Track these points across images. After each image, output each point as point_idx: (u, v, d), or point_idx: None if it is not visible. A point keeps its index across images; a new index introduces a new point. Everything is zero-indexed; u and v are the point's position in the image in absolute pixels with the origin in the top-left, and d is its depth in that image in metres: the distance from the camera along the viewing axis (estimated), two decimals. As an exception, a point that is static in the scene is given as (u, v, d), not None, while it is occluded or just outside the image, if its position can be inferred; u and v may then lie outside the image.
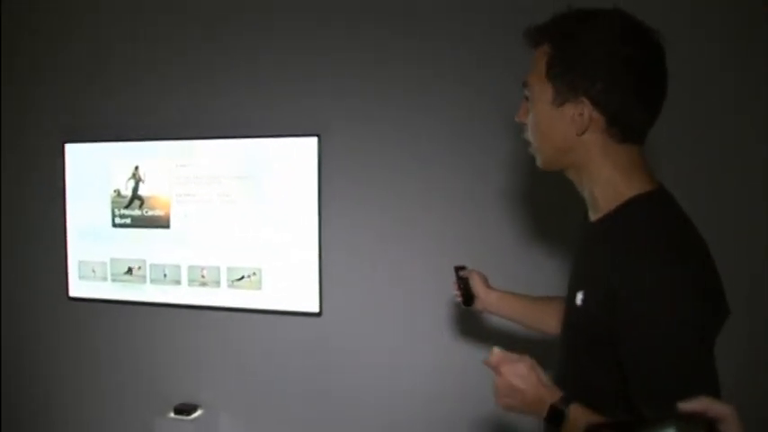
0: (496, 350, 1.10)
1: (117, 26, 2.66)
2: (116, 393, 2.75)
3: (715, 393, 0.89)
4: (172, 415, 2.53)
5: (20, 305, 2.88)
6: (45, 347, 2.85)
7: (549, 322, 1.43)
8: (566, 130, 1.02)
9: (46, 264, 2.80)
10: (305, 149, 2.38)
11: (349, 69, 2.37)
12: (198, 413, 2.55)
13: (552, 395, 1.02)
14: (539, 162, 1.12)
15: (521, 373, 1.05)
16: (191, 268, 2.56)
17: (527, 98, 1.09)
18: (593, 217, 1.09)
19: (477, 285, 1.50)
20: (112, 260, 2.66)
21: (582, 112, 0.99)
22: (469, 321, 2.28)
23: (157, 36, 2.61)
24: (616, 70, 0.97)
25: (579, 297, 1.04)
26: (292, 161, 2.40)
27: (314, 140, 2.37)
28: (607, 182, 1.03)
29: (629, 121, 1.00)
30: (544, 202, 2.18)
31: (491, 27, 2.20)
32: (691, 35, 1.93)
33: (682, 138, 1.98)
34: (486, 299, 1.49)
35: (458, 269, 1.54)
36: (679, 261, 0.91)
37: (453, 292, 1.56)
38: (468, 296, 1.51)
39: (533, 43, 1.06)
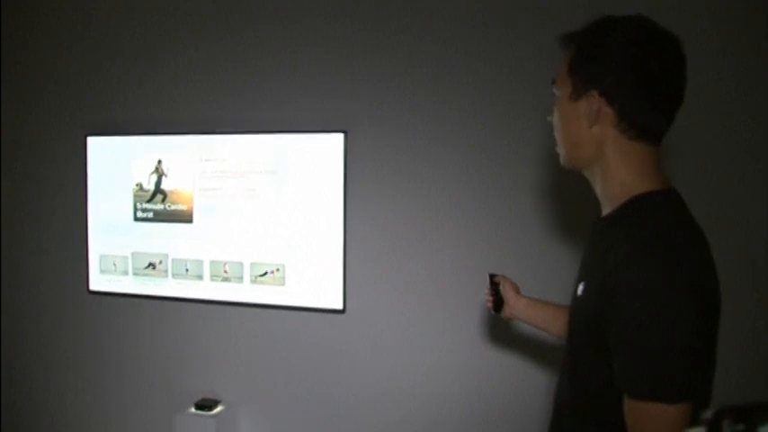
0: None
1: (142, 18, 2.65)
2: (136, 388, 2.74)
3: (697, 386, 0.91)
4: (193, 410, 2.52)
5: (40, 298, 2.87)
6: (65, 341, 2.85)
7: None
8: (580, 124, 1.06)
9: (66, 257, 2.79)
10: (331, 146, 2.37)
11: (378, 66, 2.36)
12: (219, 409, 2.54)
13: None
14: (561, 160, 1.16)
15: None
16: (213, 263, 2.55)
17: (555, 98, 1.13)
18: (603, 213, 1.11)
19: (507, 292, 1.56)
20: (134, 254, 2.65)
21: (592, 104, 1.03)
22: (495, 322, 2.27)
23: (184, 29, 2.60)
24: (626, 66, 1.00)
25: (580, 288, 1.07)
26: (318, 157, 2.39)
27: (340, 137, 2.36)
28: (617, 179, 1.05)
29: (639, 118, 1.02)
30: (574, 200, 2.17)
31: (524, 25, 2.19)
32: (692, 33, 1.93)
33: (688, 138, 1.98)
34: (514, 305, 1.54)
35: (492, 276, 1.60)
36: (671, 255, 0.92)
37: (486, 297, 1.60)
38: (498, 302, 1.57)
39: (564, 46, 1.11)
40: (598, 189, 1.10)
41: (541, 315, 1.53)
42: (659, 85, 1.01)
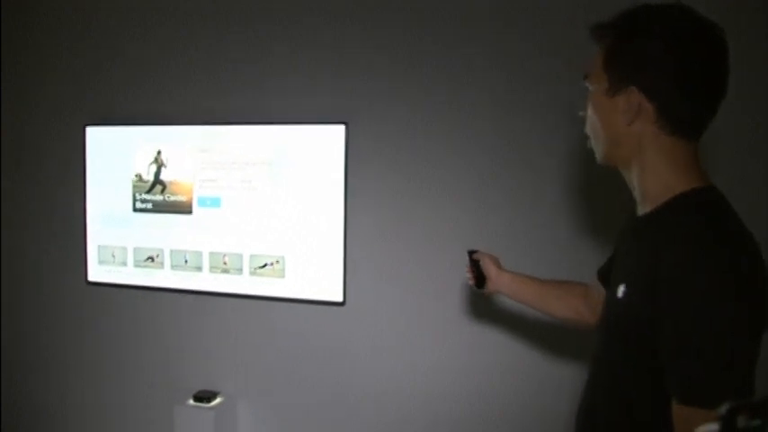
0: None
1: (142, 10, 2.63)
2: (135, 380, 2.73)
3: (748, 389, 0.88)
4: (191, 402, 2.52)
5: (38, 289, 2.86)
6: (63, 332, 2.83)
7: (557, 305, 1.48)
8: (618, 120, 1.02)
9: (65, 248, 2.78)
10: (332, 137, 2.36)
11: (379, 57, 2.34)
12: (217, 401, 2.53)
13: None
14: (597, 157, 1.12)
15: None
16: (212, 255, 2.53)
17: (588, 91, 1.10)
18: (640, 212, 1.07)
19: (488, 267, 1.54)
20: (132, 245, 2.64)
21: (632, 100, 0.99)
22: (496, 316, 2.26)
23: (185, 21, 2.58)
24: (667, 60, 0.96)
25: (621, 290, 1.03)
26: (319, 149, 2.38)
27: (341, 128, 2.34)
28: (657, 176, 1.01)
29: (679, 112, 0.99)
30: (583, 196, 2.17)
31: (525, 23, 2.17)
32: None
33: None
34: (497, 280, 1.52)
35: (471, 252, 1.58)
36: (727, 257, 0.89)
37: (466, 275, 1.59)
38: (480, 278, 1.55)
39: (597, 38, 1.07)
40: (636, 187, 1.07)
41: (527, 290, 1.51)
42: (701, 79, 0.97)
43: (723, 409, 0.57)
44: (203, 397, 2.51)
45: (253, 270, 2.49)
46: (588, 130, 1.11)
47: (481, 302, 2.27)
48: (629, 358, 1.00)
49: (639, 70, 0.98)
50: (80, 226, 2.69)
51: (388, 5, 2.32)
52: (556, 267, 2.16)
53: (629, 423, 1.02)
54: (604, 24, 1.05)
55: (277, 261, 2.46)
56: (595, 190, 2.13)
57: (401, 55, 2.32)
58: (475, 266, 1.56)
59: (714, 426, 0.58)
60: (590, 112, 1.09)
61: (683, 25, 0.97)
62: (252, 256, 2.48)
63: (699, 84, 0.97)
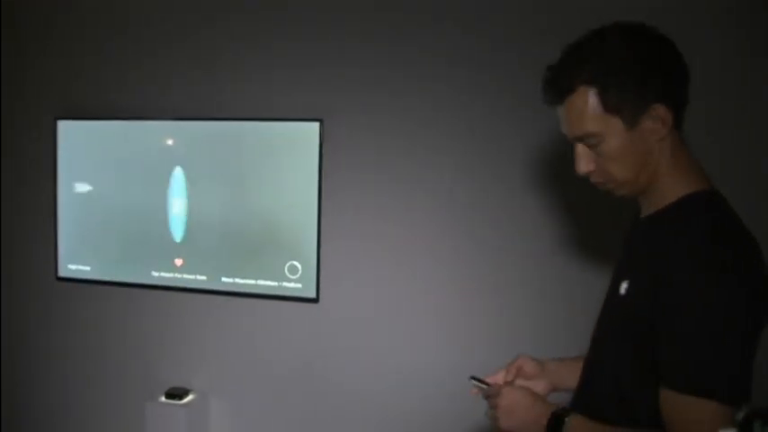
0: (491, 385, 1.18)
1: (114, 3, 2.60)
2: (107, 377, 2.70)
3: (743, 381, 0.90)
4: (163, 399, 2.50)
5: (7, 285, 2.81)
6: (32, 329, 2.79)
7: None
8: (647, 142, 1.00)
9: (35, 243, 2.74)
10: (307, 134, 2.35)
11: (355, 53, 2.35)
12: (189, 398, 2.52)
13: (552, 406, 1.08)
14: (623, 192, 1.06)
15: (516, 399, 1.12)
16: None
17: (590, 146, 1.03)
18: (644, 213, 1.08)
19: (529, 368, 1.30)
20: (103, 240, 2.61)
21: (657, 115, 0.97)
22: (470, 313, 2.28)
23: (159, 15, 2.55)
24: (661, 63, 0.98)
25: (623, 286, 1.04)
26: (294, 146, 2.37)
27: (316, 125, 2.34)
28: (669, 182, 1.02)
29: (681, 102, 1.01)
30: (565, 190, 2.20)
31: (505, 13, 2.19)
32: (691, 34, 1.95)
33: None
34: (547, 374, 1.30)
35: (477, 379, 1.25)
36: (729, 254, 0.92)
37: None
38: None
39: (561, 95, 1.02)
40: (644, 195, 1.06)
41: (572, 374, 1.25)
42: (681, 65, 1.01)
43: (740, 414, 0.60)
44: (175, 394, 2.50)
45: (226, 266, 2.48)
46: (611, 176, 1.04)
47: (455, 301, 2.29)
48: (626, 351, 1.02)
49: (649, 85, 0.97)
50: (51, 221, 2.66)
51: (365, 3, 2.32)
52: (531, 263, 2.19)
53: (626, 415, 1.03)
54: (564, 79, 1.00)
55: (250, 258, 2.45)
56: (570, 182, 2.16)
57: (376, 53, 2.33)
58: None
59: (731, 431, 0.60)
60: (609, 159, 1.02)
61: (634, 31, 1.00)
62: (224, 253, 2.47)
63: (682, 70, 1.01)
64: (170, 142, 2.50)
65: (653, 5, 1.85)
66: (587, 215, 2.13)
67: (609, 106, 0.98)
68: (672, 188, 1.02)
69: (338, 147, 2.37)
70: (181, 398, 2.49)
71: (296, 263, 2.40)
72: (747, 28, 1.99)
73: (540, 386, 1.26)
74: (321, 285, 2.39)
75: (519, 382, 1.25)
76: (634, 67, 0.97)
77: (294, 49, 2.40)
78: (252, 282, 2.45)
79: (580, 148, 1.04)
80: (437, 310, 2.33)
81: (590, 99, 0.98)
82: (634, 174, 1.02)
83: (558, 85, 1.01)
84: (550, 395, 1.25)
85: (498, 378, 1.27)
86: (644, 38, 1.00)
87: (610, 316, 1.11)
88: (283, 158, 2.38)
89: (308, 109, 2.38)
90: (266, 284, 2.43)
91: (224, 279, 2.48)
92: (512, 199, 2.23)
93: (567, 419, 1.04)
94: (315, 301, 2.40)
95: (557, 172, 2.16)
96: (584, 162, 1.04)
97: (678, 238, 0.95)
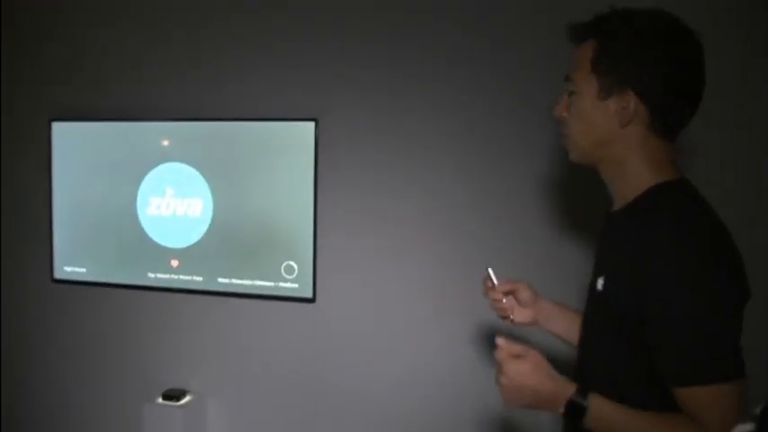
0: (501, 342, 1.05)
1: (109, 5, 2.59)
2: (104, 378, 2.69)
3: (742, 359, 0.92)
4: (160, 401, 2.49)
5: (2, 287, 2.80)
6: (28, 331, 2.78)
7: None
8: (609, 122, 1.03)
9: (30, 245, 2.73)
10: (302, 134, 2.35)
11: (350, 53, 2.34)
12: (186, 399, 2.51)
13: (566, 388, 0.99)
14: (573, 155, 1.12)
15: (526, 370, 1.01)
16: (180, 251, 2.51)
17: (570, 93, 1.08)
18: (616, 207, 1.10)
19: (526, 295, 1.36)
20: (99, 242, 2.60)
21: (627, 104, 1.00)
22: (469, 310, 2.28)
23: (152, 15, 2.54)
24: (661, 63, 0.99)
25: (600, 282, 1.06)
26: (289, 146, 2.37)
27: (311, 125, 2.33)
28: (637, 174, 1.04)
29: (671, 115, 1.02)
30: (560, 190, 2.19)
31: (503, 13, 2.19)
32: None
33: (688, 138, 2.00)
34: (536, 308, 1.36)
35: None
36: (704, 240, 0.94)
37: (494, 304, 1.39)
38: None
39: (577, 39, 1.07)
40: (613, 184, 1.09)
41: (561, 320, 1.34)
42: (691, 80, 1.01)
43: (757, 409, 0.61)
44: (172, 395, 2.49)
45: (222, 267, 2.47)
46: (570, 130, 1.09)
47: (455, 301, 2.28)
48: (617, 344, 1.03)
49: (635, 74, 0.99)
50: (46, 223, 2.65)
51: (364, 3, 2.32)
52: (532, 263, 2.19)
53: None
54: (587, 24, 1.05)
55: (247, 258, 2.44)
56: (570, 183, 2.16)
57: (372, 52, 2.32)
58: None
59: (749, 425, 0.61)
60: (574, 113, 1.07)
61: (669, 28, 1.00)
62: (221, 254, 2.47)
63: (689, 85, 1.01)
64: (165, 143, 2.49)
65: (653, 5, 1.84)
66: (587, 215, 2.12)
67: (595, 67, 1.03)
68: (639, 179, 1.03)
69: (334, 147, 2.36)
70: (178, 399, 2.48)
71: (292, 263, 2.39)
72: (747, 28, 1.98)
73: (524, 315, 1.33)
74: (317, 285, 2.39)
75: (506, 301, 1.32)
76: (640, 53, 0.99)
77: (290, 49, 2.40)
78: (248, 282, 2.44)
79: (567, 92, 1.10)
80: (436, 310, 2.32)
81: (589, 53, 1.04)
82: (588, 143, 1.07)
83: (576, 30, 1.07)
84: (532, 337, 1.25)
85: (502, 282, 1.33)
86: (675, 40, 0.99)
87: (593, 314, 1.12)
88: (279, 159, 2.38)
89: (304, 109, 2.37)
90: (263, 285, 2.42)
91: (220, 280, 2.47)
92: (512, 199, 2.23)
93: (586, 405, 0.97)
94: (311, 301, 2.39)
95: (557, 172, 2.15)
96: (560, 106, 1.11)
97: (650, 230, 0.96)
